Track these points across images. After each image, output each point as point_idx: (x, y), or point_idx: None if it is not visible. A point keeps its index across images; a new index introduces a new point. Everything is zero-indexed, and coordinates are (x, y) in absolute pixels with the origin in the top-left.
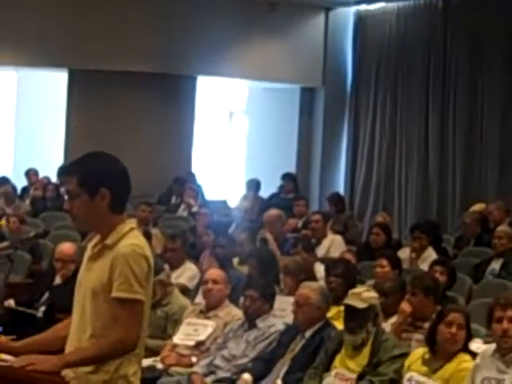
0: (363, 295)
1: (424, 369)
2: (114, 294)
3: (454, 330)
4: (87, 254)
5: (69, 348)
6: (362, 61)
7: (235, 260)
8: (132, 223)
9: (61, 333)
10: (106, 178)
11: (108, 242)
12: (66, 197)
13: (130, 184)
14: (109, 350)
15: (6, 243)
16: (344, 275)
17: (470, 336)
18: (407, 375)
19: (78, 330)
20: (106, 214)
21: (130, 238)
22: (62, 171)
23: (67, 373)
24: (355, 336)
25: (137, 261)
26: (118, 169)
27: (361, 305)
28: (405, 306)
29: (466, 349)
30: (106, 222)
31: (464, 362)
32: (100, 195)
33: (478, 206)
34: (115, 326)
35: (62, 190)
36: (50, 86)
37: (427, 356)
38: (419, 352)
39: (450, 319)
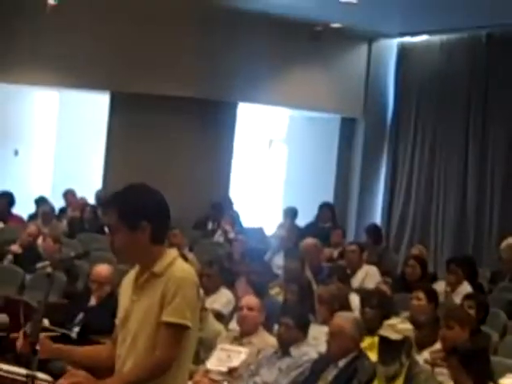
0: (398, 327)
1: None
2: (165, 318)
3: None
4: (129, 286)
5: None
6: (403, 93)
7: (276, 289)
8: (175, 252)
9: (103, 354)
10: (146, 212)
11: (156, 269)
12: (107, 230)
13: (169, 215)
14: (147, 371)
15: (46, 262)
16: (379, 306)
17: None
18: None
19: (131, 362)
20: (147, 246)
21: (179, 265)
22: (104, 205)
23: None
24: (388, 367)
25: (189, 287)
26: (157, 201)
27: (395, 336)
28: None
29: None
30: (148, 253)
31: None
32: (141, 229)
33: None
34: (156, 348)
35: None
36: (92, 107)
37: None
38: None
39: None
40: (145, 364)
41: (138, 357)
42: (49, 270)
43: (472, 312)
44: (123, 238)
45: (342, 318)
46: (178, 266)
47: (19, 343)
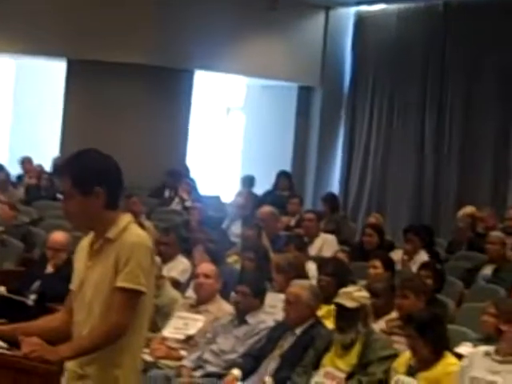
0: (354, 295)
1: (410, 372)
2: (119, 283)
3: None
4: (84, 252)
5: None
6: (360, 61)
7: (233, 257)
8: (129, 217)
9: (52, 323)
10: (99, 177)
11: (109, 235)
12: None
13: (122, 180)
14: (102, 337)
15: (0, 228)
16: (335, 274)
17: None
18: (395, 378)
19: (88, 328)
20: (101, 211)
21: (133, 230)
22: (57, 172)
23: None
24: (345, 335)
25: (143, 252)
26: (110, 166)
27: (351, 304)
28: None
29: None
30: (102, 219)
31: (450, 365)
32: (94, 194)
33: (469, 209)
34: (109, 313)
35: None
36: (48, 75)
37: (413, 360)
38: (405, 356)
39: (405, 333)
40: (99, 329)
41: (94, 322)
42: (3, 236)
43: (429, 281)
44: (77, 203)
45: (299, 286)
46: (131, 231)
47: None
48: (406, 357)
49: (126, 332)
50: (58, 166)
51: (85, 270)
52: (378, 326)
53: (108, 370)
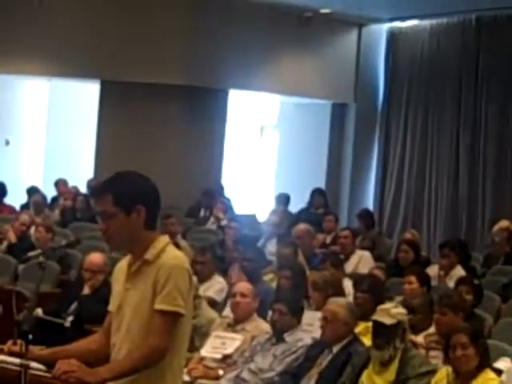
0: (391, 311)
1: None
2: (158, 306)
3: (459, 352)
4: (122, 274)
5: None
6: (393, 78)
7: (269, 275)
8: (166, 238)
9: (91, 345)
10: (140, 195)
11: (148, 257)
12: (99, 218)
13: (160, 200)
14: (141, 360)
15: (38, 251)
16: (372, 291)
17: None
18: None
19: (126, 350)
20: (141, 231)
21: (171, 252)
22: (95, 192)
23: None
24: (382, 352)
25: (181, 274)
26: (149, 187)
27: (389, 321)
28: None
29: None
30: (142, 239)
31: (489, 380)
32: (136, 212)
33: (505, 223)
34: (149, 336)
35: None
36: (82, 96)
37: (451, 376)
38: (444, 372)
39: (452, 343)
40: (139, 352)
41: (133, 345)
42: (41, 258)
43: (468, 297)
44: (119, 222)
45: (336, 304)
46: (169, 252)
47: (7, 348)
48: (444, 372)
49: (165, 355)
50: (95, 187)
51: (123, 292)
52: (417, 341)
53: None
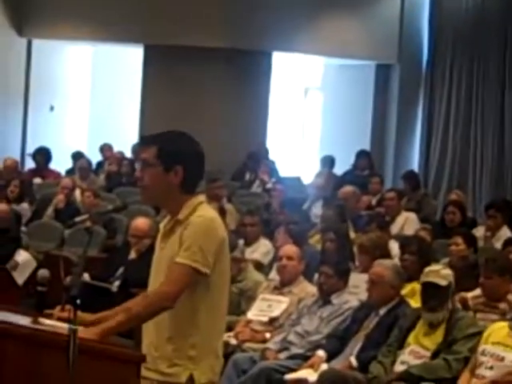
0: (442, 272)
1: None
2: (177, 259)
3: None
4: (160, 234)
5: (148, 324)
6: (438, 37)
7: (315, 237)
8: (201, 198)
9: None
10: (183, 157)
11: (180, 217)
12: (139, 166)
13: (203, 169)
14: (147, 306)
15: (85, 216)
16: (418, 253)
17: None
18: (480, 348)
19: None
20: (175, 191)
21: (201, 211)
22: (143, 140)
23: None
24: (435, 314)
25: (204, 232)
26: (196, 151)
27: (443, 282)
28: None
29: None
30: (176, 200)
31: None
32: (174, 171)
33: None
34: (161, 284)
35: (137, 164)
36: (125, 61)
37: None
38: (500, 325)
39: None
40: (148, 298)
41: None
42: (88, 224)
43: None
44: (155, 175)
45: (382, 266)
46: (198, 211)
47: (56, 314)
48: (499, 325)
49: (172, 302)
50: (145, 136)
51: (159, 252)
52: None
53: (183, 351)
